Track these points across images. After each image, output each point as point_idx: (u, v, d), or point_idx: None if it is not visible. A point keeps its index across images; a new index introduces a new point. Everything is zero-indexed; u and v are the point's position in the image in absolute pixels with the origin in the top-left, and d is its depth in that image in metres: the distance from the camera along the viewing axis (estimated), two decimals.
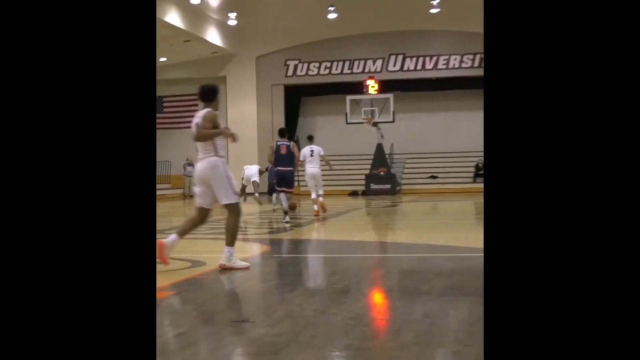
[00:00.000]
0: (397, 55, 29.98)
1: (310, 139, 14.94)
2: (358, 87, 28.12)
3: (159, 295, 4.88)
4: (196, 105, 31.81)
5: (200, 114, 6.33)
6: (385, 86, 27.76)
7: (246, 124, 30.20)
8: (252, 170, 18.99)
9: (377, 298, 5.03)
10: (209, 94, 6.40)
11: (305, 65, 30.39)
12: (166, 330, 3.89)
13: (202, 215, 6.40)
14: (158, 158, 26.39)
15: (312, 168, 14.24)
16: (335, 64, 30.26)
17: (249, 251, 8.25)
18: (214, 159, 6.29)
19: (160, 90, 30.25)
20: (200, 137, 6.22)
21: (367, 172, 27.17)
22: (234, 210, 6.35)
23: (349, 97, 27.57)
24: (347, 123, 27.72)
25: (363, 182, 27.00)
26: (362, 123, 27.35)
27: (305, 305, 4.53)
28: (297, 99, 31.06)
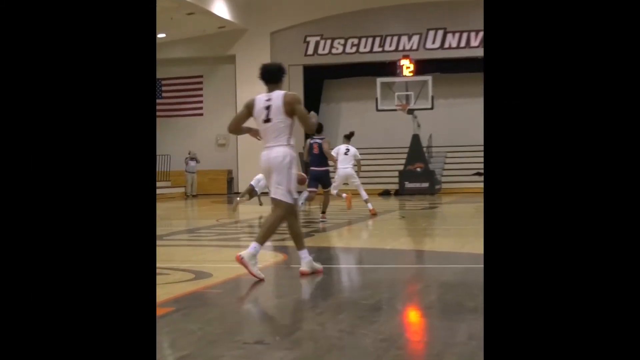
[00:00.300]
0: (436, 30, 29.88)
1: (348, 138, 15.53)
2: (390, 68, 28.09)
3: (158, 311, 4.90)
4: (200, 89, 32.14)
5: (278, 97, 6.48)
6: (423, 67, 27.70)
7: None
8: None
9: (414, 316, 5.01)
10: (277, 74, 6.66)
11: (329, 42, 30.40)
12: (166, 354, 3.91)
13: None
14: (157, 151, 26.51)
15: (344, 169, 15.02)
16: (363, 40, 30.25)
17: (262, 260, 8.27)
18: (287, 150, 6.48)
19: (159, 72, 30.33)
20: (311, 130, 6.74)
21: (401, 168, 27.14)
22: (282, 207, 6.48)
23: (379, 80, 27.52)
24: (377, 110, 27.70)
25: (396, 180, 26.97)
26: (395, 110, 27.31)
27: (329, 324, 4.53)
28: (318, 82, 31.05)
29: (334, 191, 14.85)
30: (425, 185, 26.25)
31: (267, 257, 8.70)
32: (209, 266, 7.39)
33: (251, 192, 17.32)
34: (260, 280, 6.26)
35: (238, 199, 17.87)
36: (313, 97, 30.98)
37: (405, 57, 27.82)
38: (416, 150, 27.15)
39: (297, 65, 30.49)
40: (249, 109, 6.60)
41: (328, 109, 31.03)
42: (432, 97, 26.99)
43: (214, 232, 12.29)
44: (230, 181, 31.65)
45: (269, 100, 6.49)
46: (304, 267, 6.53)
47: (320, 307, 5.22)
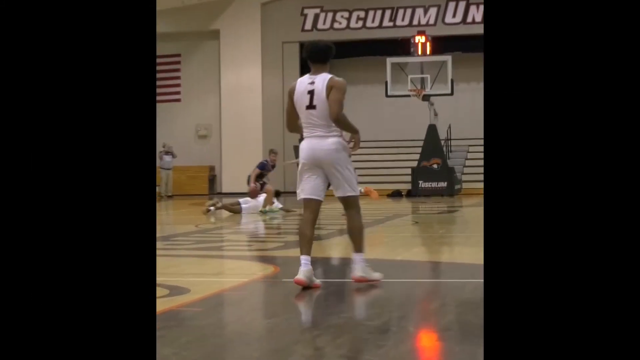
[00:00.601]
0: (457, 1, 29.90)
1: None
2: (403, 47, 28.10)
3: None
4: (178, 70, 32.11)
5: (323, 80, 6.60)
6: (442, 45, 27.73)
7: (246, 97, 30.33)
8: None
9: (427, 340, 5.01)
10: (326, 53, 6.79)
11: (330, 15, 30.43)
12: None
13: (316, 210, 6.83)
14: None
15: None
16: (371, 13, 30.28)
17: (249, 273, 8.28)
18: (339, 140, 6.67)
19: None
20: (341, 121, 6.61)
21: (415, 164, 27.16)
22: (356, 204, 6.83)
23: (390, 60, 27.53)
24: (386, 96, 27.70)
25: (409, 178, 27.00)
26: (408, 96, 27.33)
27: (328, 348, 4.53)
28: None
29: None
30: (443, 185, 26.28)
31: (253, 269, 8.72)
32: (186, 280, 7.39)
33: (233, 208, 17.64)
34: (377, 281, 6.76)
35: (211, 206, 18.15)
36: None
37: (421, 33, 27.82)
38: (433, 144, 27.16)
39: (292, 43, 30.52)
40: (290, 98, 6.75)
41: None
42: (452, 81, 27.00)
43: (192, 239, 12.29)
44: (213, 179, 31.69)
45: (312, 83, 6.63)
46: (359, 272, 6.79)
47: (318, 328, 5.22)
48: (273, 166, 18.49)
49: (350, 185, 6.73)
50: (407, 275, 8.11)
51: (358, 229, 6.84)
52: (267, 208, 17.67)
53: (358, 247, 6.83)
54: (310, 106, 6.58)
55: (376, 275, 6.87)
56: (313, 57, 6.77)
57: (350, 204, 6.82)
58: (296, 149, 28.88)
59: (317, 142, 6.62)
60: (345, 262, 9.51)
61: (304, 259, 6.59)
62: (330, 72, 6.70)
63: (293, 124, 6.86)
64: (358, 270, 6.78)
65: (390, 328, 5.13)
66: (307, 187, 6.74)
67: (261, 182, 18.07)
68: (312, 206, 6.76)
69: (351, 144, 6.82)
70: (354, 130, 6.78)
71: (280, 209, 17.92)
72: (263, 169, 18.28)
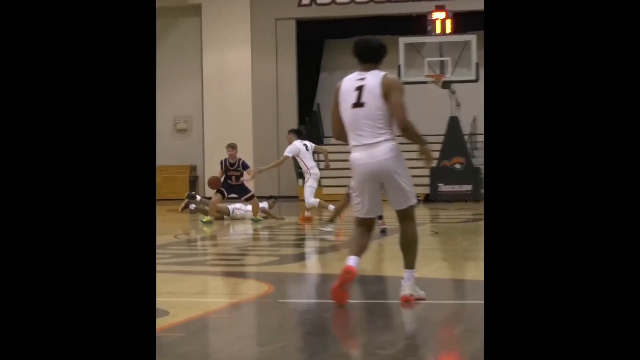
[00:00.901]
0: None
1: (299, 133, 18.08)
2: (419, 24, 28.08)
3: None
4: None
5: (376, 76, 6.78)
6: (464, 22, 27.69)
7: (233, 84, 30.31)
8: None
9: None
10: (378, 52, 6.98)
11: None
12: None
13: (373, 227, 7.14)
14: None
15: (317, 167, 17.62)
16: None
17: (237, 292, 8.28)
18: (393, 145, 6.80)
19: None
20: (409, 129, 6.78)
21: (434, 164, 27.08)
22: (413, 214, 7.07)
23: (403, 40, 27.51)
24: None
25: (426, 180, 26.98)
26: (425, 83, 27.31)
27: None
28: (317, 44, 31.00)
29: (311, 200, 17.08)
30: (467, 188, 26.25)
31: (243, 287, 8.73)
32: (164, 300, 7.37)
33: (223, 211, 17.66)
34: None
35: (191, 204, 18.21)
36: (309, 64, 30.97)
37: (440, 8, 27.77)
38: (454, 140, 27.14)
39: (287, 20, 30.53)
40: (335, 97, 6.90)
41: (330, 80, 30.82)
42: (477, 65, 26.97)
43: (170, 252, 12.31)
44: (194, 181, 31.65)
45: (362, 79, 6.78)
46: (408, 290, 6.88)
47: (319, 358, 5.23)
48: (232, 164, 17.86)
49: (411, 195, 6.94)
50: (427, 296, 8.12)
51: (414, 241, 7.02)
52: (257, 216, 17.70)
53: (410, 262, 6.97)
54: (358, 104, 6.70)
55: (422, 293, 7.03)
56: (364, 56, 6.93)
57: (408, 214, 7.00)
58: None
59: (368, 155, 6.73)
60: (357, 281, 9.51)
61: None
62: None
63: (340, 129, 6.96)
64: (407, 288, 6.88)
65: (405, 358, 5.14)
66: (368, 203, 6.92)
67: (226, 185, 17.73)
68: (371, 224, 7.07)
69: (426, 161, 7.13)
70: (422, 142, 6.97)
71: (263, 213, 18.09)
72: (221, 169, 17.93)
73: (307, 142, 17.57)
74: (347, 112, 6.76)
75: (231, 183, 17.82)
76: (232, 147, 18.00)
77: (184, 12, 30.98)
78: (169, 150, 30.77)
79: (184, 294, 8.06)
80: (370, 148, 6.70)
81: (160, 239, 15.04)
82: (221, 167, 17.93)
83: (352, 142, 6.80)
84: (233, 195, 17.92)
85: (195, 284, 9.08)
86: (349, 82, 6.85)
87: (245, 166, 17.92)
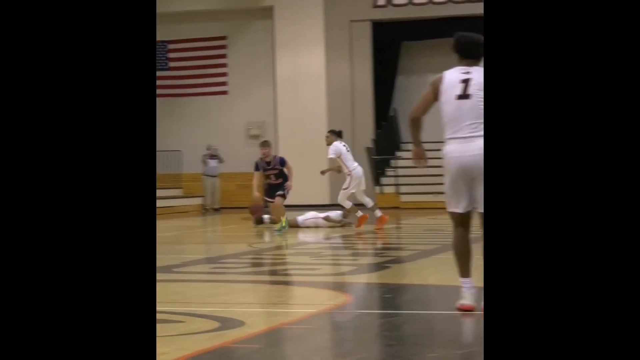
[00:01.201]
0: None
1: (339, 134, 18.13)
2: None
3: None
4: (224, 56, 32.28)
5: (482, 74, 6.76)
6: None
7: (308, 88, 30.33)
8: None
9: None
10: (480, 49, 7.00)
11: None
12: None
13: (470, 224, 7.08)
14: (161, 146, 26.69)
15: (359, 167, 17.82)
16: None
17: (314, 303, 8.25)
18: None
19: (163, 32, 30.44)
20: None
21: None
22: None
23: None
24: None
25: None
26: None
27: None
28: (394, 46, 30.99)
29: (346, 203, 17.35)
30: None
31: (320, 298, 8.69)
32: (239, 311, 7.39)
33: (292, 224, 17.51)
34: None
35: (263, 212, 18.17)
36: (386, 67, 30.92)
37: None
38: None
39: (362, 22, 30.53)
40: (435, 87, 6.98)
41: (407, 84, 30.88)
42: None
43: (245, 261, 12.35)
44: (268, 188, 31.72)
45: (467, 73, 6.91)
46: (468, 300, 6.87)
47: None
48: (268, 163, 17.57)
49: None
50: None
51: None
52: (279, 226, 17.07)
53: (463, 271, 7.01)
54: (463, 95, 6.80)
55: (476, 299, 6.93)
56: (466, 52, 7.07)
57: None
58: (369, 150, 28.79)
59: (464, 148, 6.76)
60: (441, 291, 9.43)
61: (466, 282, 6.91)
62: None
63: (420, 116, 7.09)
64: (467, 298, 6.88)
65: None
66: (466, 196, 6.90)
67: (266, 185, 17.59)
68: (468, 221, 6.99)
69: None
70: None
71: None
72: (258, 171, 17.60)
73: (345, 144, 17.79)
74: (450, 103, 6.84)
75: (272, 182, 17.58)
76: (265, 145, 17.73)
77: (257, 15, 31.02)
78: (242, 157, 30.70)
79: (259, 305, 8.06)
80: (468, 142, 6.74)
81: (235, 248, 15.13)
82: (257, 169, 17.56)
83: (448, 134, 6.86)
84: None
85: (270, 294, 9.08)
86: (453, 74, 6.96)
87: (283, 162, 17.60)
